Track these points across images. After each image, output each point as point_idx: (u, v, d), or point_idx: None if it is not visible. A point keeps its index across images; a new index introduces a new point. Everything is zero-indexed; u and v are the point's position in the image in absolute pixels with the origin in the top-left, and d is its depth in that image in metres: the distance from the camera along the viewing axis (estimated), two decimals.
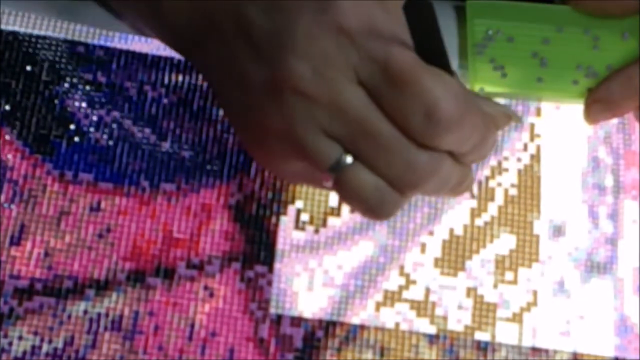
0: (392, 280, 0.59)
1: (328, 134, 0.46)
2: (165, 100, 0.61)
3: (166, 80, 0.62)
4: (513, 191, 0.61)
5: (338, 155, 0.46)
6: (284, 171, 0.51)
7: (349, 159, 0.46)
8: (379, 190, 0.47)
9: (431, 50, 0.44)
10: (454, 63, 0.64)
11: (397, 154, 0.46)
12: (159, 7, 0.51)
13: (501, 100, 0.63)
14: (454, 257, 0.59)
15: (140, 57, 0.62)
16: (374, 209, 0.47)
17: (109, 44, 0.62)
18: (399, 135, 0.45)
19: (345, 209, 0.60)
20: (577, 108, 0.63)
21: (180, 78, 0.62)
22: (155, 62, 0.62)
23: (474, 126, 0.46)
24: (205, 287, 0.57)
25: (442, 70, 0.44)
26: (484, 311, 0.58)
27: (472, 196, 0.60)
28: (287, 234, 0.59)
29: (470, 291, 0.59)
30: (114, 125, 0.60)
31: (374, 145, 0.46)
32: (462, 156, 0.48)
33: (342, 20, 0.45)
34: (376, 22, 0.45)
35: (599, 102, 0.61)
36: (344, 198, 0.48)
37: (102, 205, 0.58)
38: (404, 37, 0.46)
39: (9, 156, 0.59)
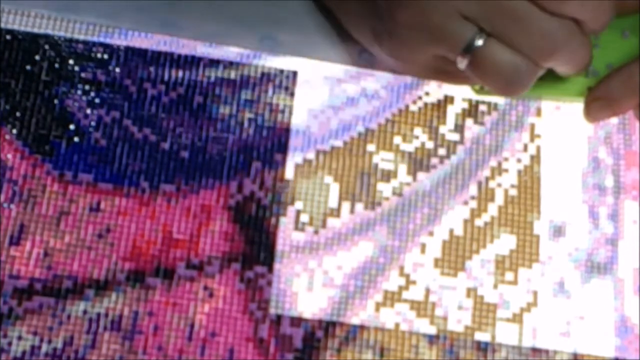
0: (392, 281, 0.59)
1: (462, 14, 0.50)
2: (165, 98, 0.61)
3: (166, 77, 0.62)
4: (513, 192, 0.61)
5: (472, 35, 0.50)
6: (417, 62, 0.55)
7: (481, 39, 0.50)
8: (515, 64, 0.51)
9: None
10: None
11: (532, 24, 0.50)
12: None
13: (501, 99, 0.63)
14: (454, 257, 0.59)
15: (140, 53, 0.62)
16: (511, 82, 0.51)
17: (108, 40, 0.62)
18: (531, 5, 0.49)
19: (345, 209, 0.60)
20: (577, 108, 0.63)
21: (180, 74, 0.62)
22: (155, 58, 0.62)
23: None
24: (205, 288, 0.57)
25: None
26: (484, 311, 0.58)
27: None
28: (287, 234, 0.59)
29: (470, 291, 0.59)
30: (114, 126, 0.60)
31: (509, 19, 0.50)
32: (584, 24, 0.52)
33: None
34: None
35: (599, 100, 0.61)
36: (481, 76, 0.52)
37: (102, 205, 0.58)
38: None
39: (9, 156, 0.59)
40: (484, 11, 0.50)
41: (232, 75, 0.62)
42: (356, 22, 0.57)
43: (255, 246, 0.58)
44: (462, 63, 0.52)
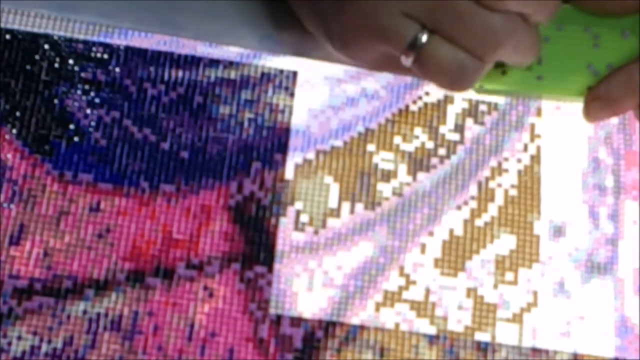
0: (392, 281, 0.59)
1: (405, 13, 0.50)
2: (165, 98, 0.61)
3: (166, 76, 0.62)
4: (513, 192, 0.61)
5: (415, 33, 0.50)
6: (367, 58, 0.55)
7: (425, 36, 0.50)
8: (459, 60, 0.50)
9: None
10: None
11: (475, 20, 0.50)
12: None
13: (501, 99, 0.63)
14: (454, 257, 0.59)
15: (140, 53, 0.62)
16: (456, 78, 0.51)
17: (108, 40, 0.62)
18: (471, 2, 0.49)
19: (345, 209, 0.60)
20: (577, 108, 0.63)
21: (180, 74, 0.62)
22: (155, 58, 0.62)
23: None
24: (205, 288, 0.57)
25: None
26: (484, 312, 0.58)
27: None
28: (287, 235, 0.59)
29: (470, 292, 0.59)
30: (114, 126, 0.60)
31: (450, 16, 0.50)
32: (528, 16, 0.52)
33: None
34: None
35: (599, 100, 0.61)
36: (425, 73, 0.51)
37: (102, 205, 0.58)
38: None
39: (9, 156, 0.59)
40: (425, 9, 0.50)
41: (232, 75, 0.62)
42: (310, 23, 0.58)
43: (255, 246, 0.58)
44: (407, 60, 0.52)
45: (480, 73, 0.52)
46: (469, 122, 0.63)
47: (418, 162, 0.62)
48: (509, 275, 0.59)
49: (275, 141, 0.61)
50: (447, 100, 0.63)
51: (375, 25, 0.51)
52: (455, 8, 0.50)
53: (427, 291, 0.59)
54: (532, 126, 0.63)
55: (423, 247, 0.60)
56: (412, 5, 0.50)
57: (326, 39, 0.57)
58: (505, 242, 0.60)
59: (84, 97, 0.61)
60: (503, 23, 0.50)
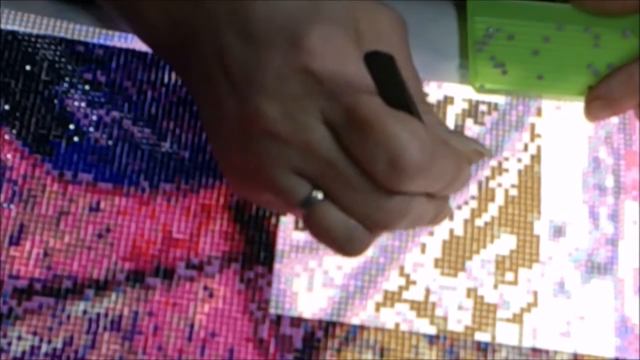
0: (392, 281, 0.59)
1: (298, 172, 0.46)
2: (164, 100, 0.61)
3: (166, 79, 0.62)
4: (513, 191, 0.61)
5: (307, 193, 0.46)
6: (258, 200, 0.51)
7: (319, 196, 0.46)
8: (348, 229, 0.46)
9: (396, 99, 0.44)
10: (455, 62, 0.64)
11: (365, 196, 0.45)
12: (142, 16, 0.51)
13: (501, 99, 0.63)
14: (454, 257, 0.59)
15: (140, 56, 0.62)
16: (343, 246, 0.47)
17: (108, 42, 0.62)
18: (366, 178, 0.44)
19: None
20: (577, 107, 0.63)
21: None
22: (155, 61, 0.62)
23: (442, 169, 0.45)
24: (205, 288, 0.57)
25: (409, 116, 0.43)
26: (484, 312, 0.58)
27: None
28: (287, 234, 0.59)
29: (471, 292, 0.59)
30: (114, 125, 0.60)
31: (342, 186, 0.45)
32: (435, 193, 0.47)
33: (311, 62, 0.44)
34: (345, 67, 0.45)
35: (600, 100, 0.61)
36: (313, 234, 0.47)
37: (102, 205, 0.58)
38: (370, 85, 0.44)
39: (9, 156, 0.59)
40: (317, 173, 0.45)
41: None
42: (211, 141, 0.52)
43: (255, 246, 0.58)
44: (298, 215, 0.49)
45: (370, 243, 0.48)
46: (469, 122, 0.63)
47: None
48: (509, 275, 0.59)
49: None
50: (447, 100, 0.63)
51: (266, 177, 0.47)
52: (346, 180, 0.45)
53: (427, 291, 0.58)
54: (532, 126, 0.63)
55: (423, 247, 0.59)
56: (306, 164, 0.46)
57: (218, 165, 0.54)
58: (506, 242, 0.60)
59: (84, 97, 0.61)
60: (396, 203, 0.45)
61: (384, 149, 0.43)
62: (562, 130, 0.63)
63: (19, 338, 0.55)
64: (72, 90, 0.60)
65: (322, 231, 0.46)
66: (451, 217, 0.60)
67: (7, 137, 0.59)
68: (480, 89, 0.62)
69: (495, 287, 0.59)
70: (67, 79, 0.61)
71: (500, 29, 0.64)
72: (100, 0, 0.55)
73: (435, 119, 0.48)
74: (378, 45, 0.44)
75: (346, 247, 0.47)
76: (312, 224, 0.46)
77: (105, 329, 0.56)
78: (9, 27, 0.61)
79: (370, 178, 0.44)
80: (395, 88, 0.43)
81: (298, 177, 0.46)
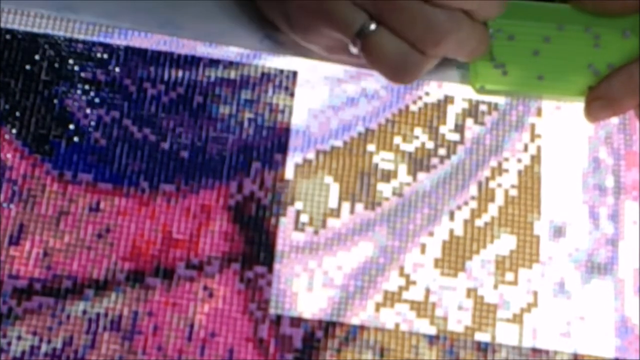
0: (392, 281, 0.58)
1: (354, 2, 0.51)
2: (164, 98, 0.61)
3: (166, 76, 0.62)
4: (513, 192, 0.61)
5: (363, 22, 0.52)
6: (322, 43, 0.57)
7: (373, 25, 0.52)
8: (402, 52, 0.52)
9: None
10: (454, 62, 0.64)
11: (417, 14, 0.51)
12: None
13: (501, 99, 0.63)
14: (454, 257, 0.59)
15: (140, 53, 0.62)
16: (398, 70, 0.52)
17: (108, 40, 0.62)
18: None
19: (345, 210, 0.60)
20: (577, 108, 0.63)
21: (180, 74, 0.62)
22: (154, 58, 0.62)
23: None
24: (205, 288, 0.57)
25: None
26: (484, 312, 0.58)
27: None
28: (287, 235, 0.59)
29: (471, 292, 0.59)
30: (114, 125, 0.60)
31: (395, 9, 0.51)
32: (474, 13, 0.53)
33: None
34: None
35: (600, 100, 0.61)
36: (370, 62, 0.53)
37: (102, 205, 0.58)
38: None
39: (8, 156, 0.59)
40: (373, 1, 0.51)
41: (232, 75, 0.62)
42: (270, 10, 0.59)
43: (255, 246, 0.58)
44: (354, 48, 0.54)
45: (424, 66, 0.53)
46: (469, 122, 0.63)
47: (418, 162, 0.62)
48: (509, 276, 0.59)
49: (275, 141, 0.61)
50: (447, 100, 0.63)
51: (325, 11, 0.52)
52: (400, 1, 0.51)
53: (427, 291, 0.58)
54: (533, 126, 0.63)
55: (423, 247, 0.59)
56: None
57: (284, 24, 0.58)
58: (506, 242, 0.60)
59: (83, 97, 0.61)
60: (445, 19, 0.52)
61: None
62: (562, 131, 0.63)
63: (19, 338, 0.55)
64: (72, 90, 0.60)
65: (379, 57, 0.52)
66: (451, 217, 0.60)
67: (7, 136, 0.59)
68: (481, 90, 0.62)
69: (495, 287, 0.59)
70: (66, 78, 0.61)
71: (500, 29, 0.64)
72: None
73: None
74: None
75: (401, 71, 0.53)
76: (368, 51, 0.52)
77: (105, 329, 0.56)
78: (9, 26, 0.61)
79: None
80: None
81: (354, 6, 0.52)
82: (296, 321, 0.57)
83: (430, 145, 0.62)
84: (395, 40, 0.52)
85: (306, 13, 0.54)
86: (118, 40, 0.62)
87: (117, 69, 0.61)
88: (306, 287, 0.58)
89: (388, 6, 0.51)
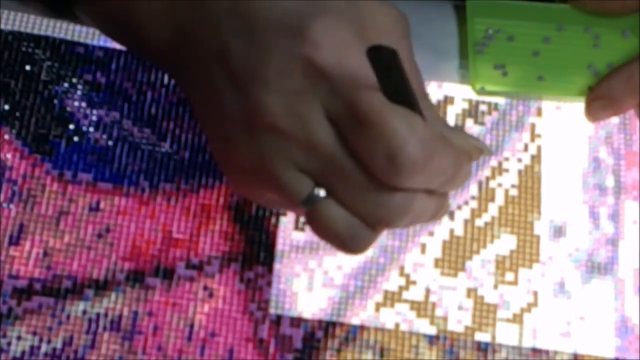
0: (392, 281, 0.58)
1: (300, 168, 0.45)
2: (164, 101, 0.61)
3: (166, 80, 0.62)
4: (513, 192, 0.61)
5: (310, 190, 0.46)
6: (260, 199, 0.51)
7: (321, 193, 0.46)
8: (351, 226, 0.46)
9: (398, 94, 0.43)
10: (455, 62, 0.64)
11: (366, 194, 0.45)
12: (136, 19, 0.50)
13: (502, 99, 0.63)
14: (454, 257, 0.59)
15: (140, 57, 0.62)
16: (346, 244, 0.46)
17: (108, 44, 0.62)
18: (368, 176, 0.44)
19: None
20: (578, 107, 0.63)
21: None
22: None
23: (441, 166, 0.44)
24: (205, 288, 0.57)
25: (409, 111, 0.43)
26: (484, 312, 0.58)
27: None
28: (287, 234, 0.59)
29: (471, 292, 0.59)
30: (114, 126, 0.60)
31: (344, 183, 0.45)
32: (435, 190, 0.46)
33: (314, 54, 0.44)
34: (348, 59, 0.44)
35: (600, 100, 0.61)
36: (315, 232, 0.47)
37: (102, 205, 0.58)
38: (372, 79, 0.44)
39: (8, 156, 0.59)
40: (319, 169, 0.45)
41: None
42: (211, 145, 0.52)
43: (255, 246, 0.58)
44: (301, 213, 0.48)
45: (373, 240, 0.47)
46: (469, 122, 0.63)
47: None
48: (509, 276, 0.59)
49: None
50: (448, 100, 0.63)
51: (267, 174, 0.46)
52: (348, 177, 0.45)
53: (427, 291, 0.58)
54: (533, 126, 0.63)
55: (423, 247, 0.59)
56: (308, 162, 0.45)
57: (218, 166, 0.53)
58: (506, 242, 0.60)
59: (84, 97, 0.60)
60: (397, 200, 0.45)
61: (383, 143, 0.43)
62: (562, 130, 0.63)
63: (19, 338, 0.55)
64: (72, 91, 0.60)
65: (325, 229, 0.46)
66: (451, 217, 0.60)
67: (6, 136, 0.59)
68: (481, 91, 0.62)
69: (496, 287, 0.59)
70: (66, 79, 0.61)
71: (500, 30, 0.64)
72: (83, 6, 0.53)
73: (436, 114, 0.48)
74: (381, 40, 0.44)
75: (349, 244, 0.46)
76: (315, 221, 0.46)
77: (105, 329, 0.56)
78: (9, 28, 0.61)
79: (371, 174, 0.44)
80: (397, 83, 0.43)
81: (300, 173, 0.46)
82: (296, 321, 0.57)
83: None
84: (344, 214, 0.46)
85: (246, 175, 0.48)
86: (118, 44, 0.62)
87: (117, 73, 0.61)
88: (306, 287, 0.58)
89: (338, 180, 0.45)
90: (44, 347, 0.55)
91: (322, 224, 0.46)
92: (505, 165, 0.62)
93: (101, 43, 0.62)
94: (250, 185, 0.49)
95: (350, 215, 0.46)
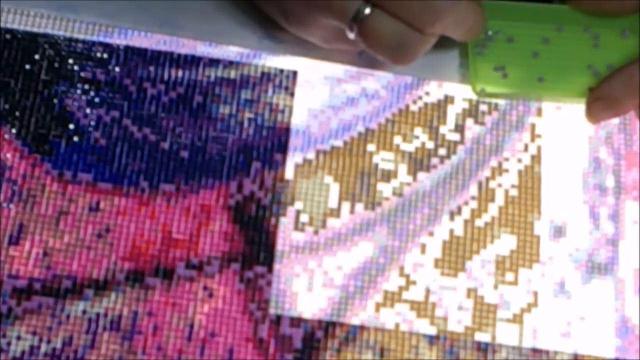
0: (392, 281, 0.58)
1: None
2: (164, 98, 0.61)
3: (166, 76, 0.62)
4: (514, 192, 0.61)
5: (358, 6, 0.52)
6: (319, 34, 0.57)
7: (368, 9, 0.52)
8: (400, 33, 0.52)
9: None
10: (455, 61, 0.64)
11: None
12: None
13: (502, 101, 0.63)
14: (454, 257, 0.59)
15: (140, 53, 0.62)
16: (397, 51, 0.53)
17: (108, 39, 0.62)
18: None
19: (345, 210, 0.60)
20: (578, 108, 0.63)
21: (179, 73, 0.62)
22: (154, 57, 0.62)
23: None
24: (205, 288, 0.57)
25: None
26: (484, 312, 0.58)
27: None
28: (287, 235, 0.59)
29: (471, 292, 0.59)
30: (114, 125, 0.60)
31: None
32: None
33: None
34: None
35: (601, 101, 0.61)
36: (368, 46, 0.53)
37: (101, 205, 0.58)
38: None
39: (8, 155, 0.58)
40: None
41: (232, 75, 0.62)
42: (266, 4, 0.60)
43: (255, 246, 0.58)
44: (351, 34, 0.54)
45: (422, 46, 0.54)
46: (469, 122, 0.63)
47: (418, 162, 0.62)
48: (509, 276, 0.59)
49: (275, 141, 0.61)
50: (448, 100, 0.63)
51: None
52: None
53: (427, 291, 0.58)
54: (533, 126, 0.63)
55: (423, 247, 0.59)
56: None
57: (281, 18, 0.59)
58: (506, 243, 0.60)
59: (83, 97, 0.60)
60: None
61: None
62: (562, 131, 0.63)
63: (19, 338, 0.55)
64: (72, 90, 0.60)
65: (375, 39, 0.53)
66: (451, 217, 0.60)
67: (6, 136, 0.59)
68: (481, 93, 0.62)
69: (496, 287, 0.59)
70: (66, 78, 0.61)
71: (500, 31, 0.64)
72: None
73: None
74: None
75: (400, 52, 0.53)
76: (365, 34, 0.53)
77: (104, 329, 0.56)
78: (8, 26, 0.61)
79: None
80: None
81: None
82: (296, 321, 0.57)
83: (430, 145, 0.62)
84: (391, 22, 0.52)
85: (301, 4, 0.55)
86: (118, 39, 0.62)
87: (117, 69, 0.61)
88: (306, 287, 0.58)
89: None
90: (43, 347, 0.55)
91: (373, 35, 0.53)
92: (505, 165, 0.62)
93: (101, 38, 0.62)
94: (304, 14, 0.55)
95: (398, 23, 0.52)
